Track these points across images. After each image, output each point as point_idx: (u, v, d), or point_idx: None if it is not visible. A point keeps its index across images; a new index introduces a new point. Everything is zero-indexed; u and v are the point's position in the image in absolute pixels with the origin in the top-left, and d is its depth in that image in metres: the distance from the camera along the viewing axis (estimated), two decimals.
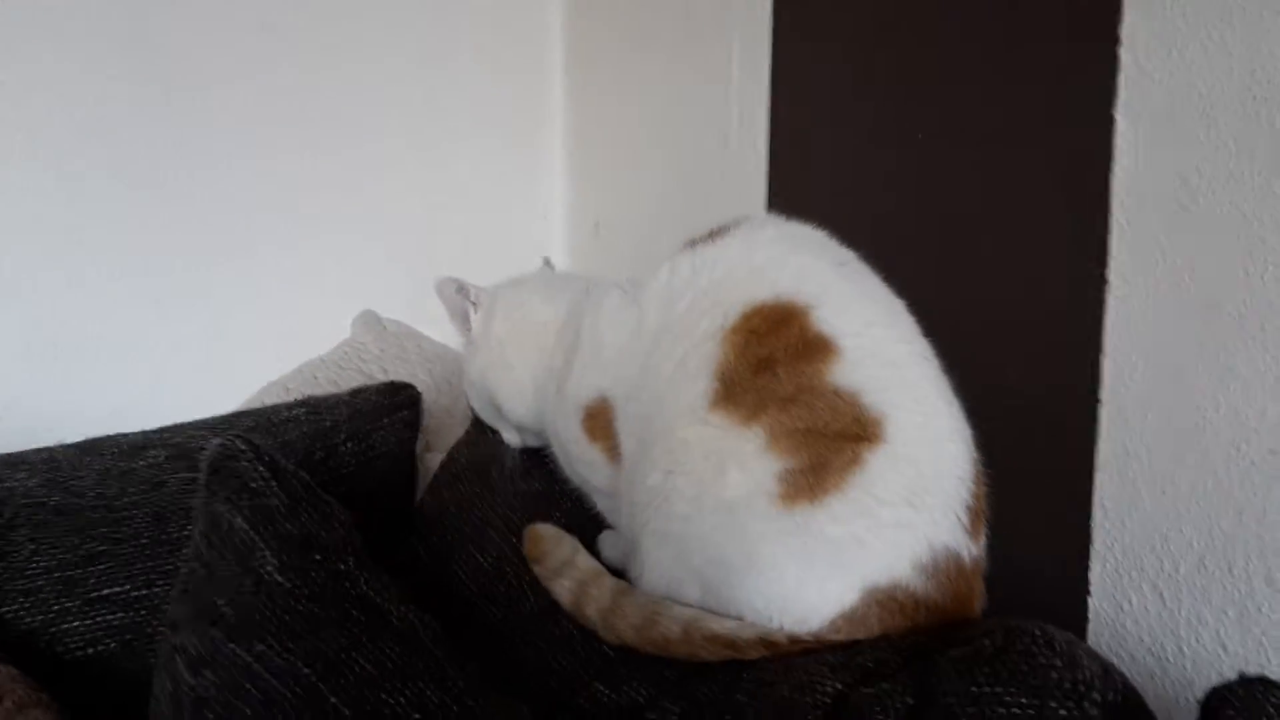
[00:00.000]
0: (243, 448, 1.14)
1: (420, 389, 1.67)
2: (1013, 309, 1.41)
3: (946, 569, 1.05)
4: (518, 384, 1.42)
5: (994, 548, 1.11)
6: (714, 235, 1.22)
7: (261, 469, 1.13)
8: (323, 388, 1.83)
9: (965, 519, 1.06)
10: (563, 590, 1.22)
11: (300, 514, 1.10)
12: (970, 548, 1.07)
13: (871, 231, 1.32)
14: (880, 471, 1.04)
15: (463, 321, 1.47)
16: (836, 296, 1.13)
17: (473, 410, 1.57)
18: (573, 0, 2.36)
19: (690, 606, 1.10)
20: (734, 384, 1.09)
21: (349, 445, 1.49)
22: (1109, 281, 1.28)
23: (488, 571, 1.37)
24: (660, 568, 1.13)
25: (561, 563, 1.25)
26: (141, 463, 1.39)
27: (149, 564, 1.29)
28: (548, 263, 1.61)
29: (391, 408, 1.55)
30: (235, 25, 2.10)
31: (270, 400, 1.77)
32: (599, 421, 1.28)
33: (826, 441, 1.04)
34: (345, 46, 2.20)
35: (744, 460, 1.07)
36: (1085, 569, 1.31)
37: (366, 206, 2.23)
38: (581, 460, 1.32)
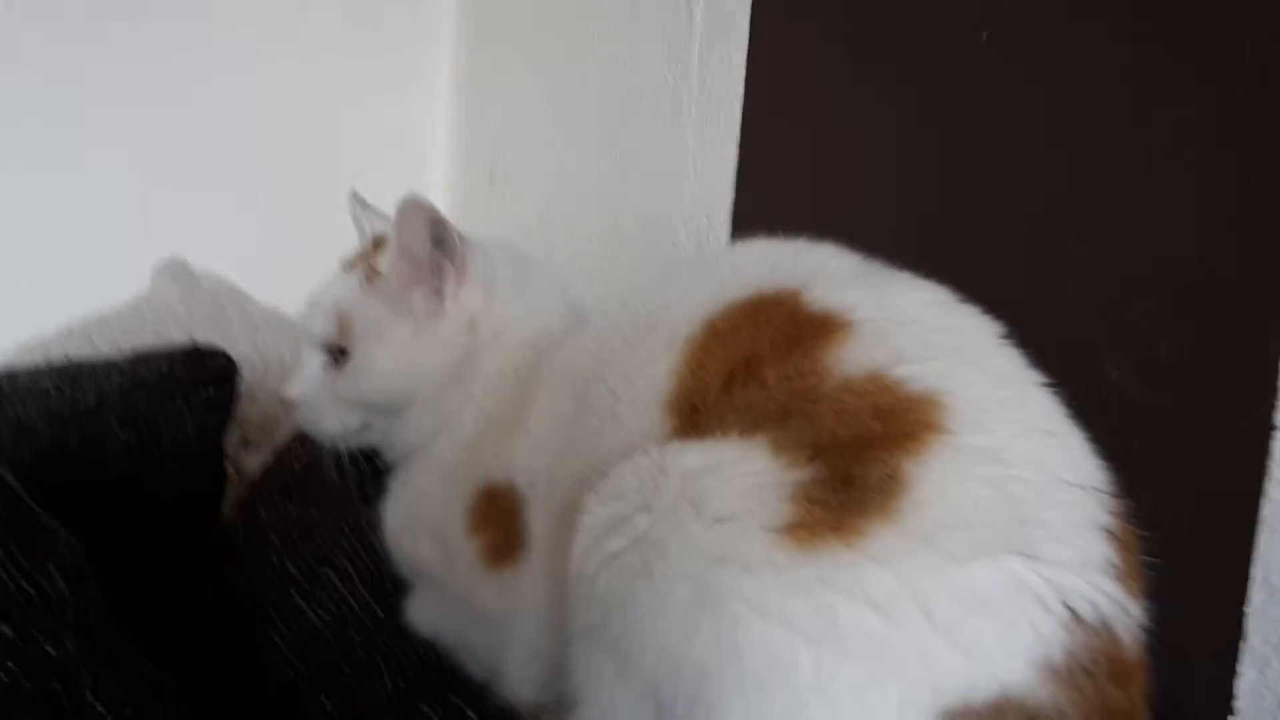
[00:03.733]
0: None
1: (239, 362, 1.18)
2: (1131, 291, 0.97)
3: (1092, 653, 0.62)
4: (474, 404, 0.93)
5: None
6: None
7: None
8: (104, 355, 1.32)
9: (1110, 555, 0.65)
10: None
11: None
12: (1127, 609, 0.65)
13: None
14: (946, 480, 0.64)
15: (417, 273, 0.91)
16: (836, 273, 0.78)
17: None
18: None
19: None
20: (696, 412, 0.73)
21: (122, 433, 1.02)
22: None
23: (321, 635, 0.90)
24: (600, 698, 0.70)
25: None
26: None
27: None
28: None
29: (191, 383, 1.06)
30: None
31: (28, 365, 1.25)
32: (493, 506, 0.86)
33: (849, 455, 0.65)
34: None
35: (728, 475, 0.67)
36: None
37: (181, 122, 1.67)
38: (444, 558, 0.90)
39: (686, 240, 1.34)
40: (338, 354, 0.91)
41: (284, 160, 1.75)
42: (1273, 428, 0.82)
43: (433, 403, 0.91)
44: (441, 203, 1.90)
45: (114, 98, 1.62)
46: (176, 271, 1.52)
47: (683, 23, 1.35)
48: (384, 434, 0.93)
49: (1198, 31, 0.88)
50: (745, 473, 0.66)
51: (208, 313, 1.44)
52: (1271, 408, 0.82)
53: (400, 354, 0.91)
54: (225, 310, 1.46)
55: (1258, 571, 0.83)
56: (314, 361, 0.91)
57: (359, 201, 1.05)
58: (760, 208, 1.27)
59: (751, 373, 0.71)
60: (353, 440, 0.94)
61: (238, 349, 1.41)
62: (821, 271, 0.77)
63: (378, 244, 0.95)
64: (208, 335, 1.43)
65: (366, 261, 0.92)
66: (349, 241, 1.03)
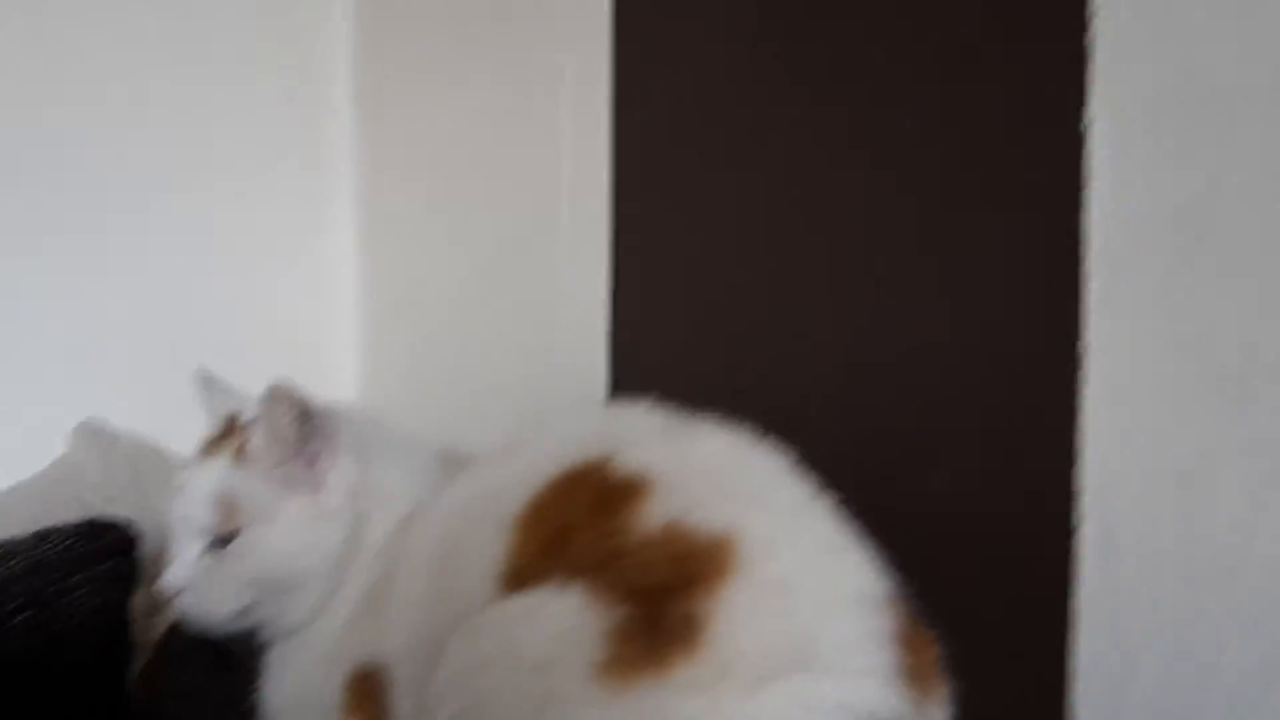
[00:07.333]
0: None
1: (156, 525, 1.21)
2: (951, 402, 1.07)
3: None
4: (353, 581, 0.96)
5: None
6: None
7: None
8: (20, 528, 1.35)
9: (900, 659, 0.72)
10: None
11: None
12: (922, 710, 0.72)
13: (758, 313, 1.08)
14: (738, 613, 0.71)
15: (291, 452, 0.95)
16: (642, 435, 0.85)
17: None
18: (363, 28, 1.92)
19: None
20: (522, 577, 0.79)
21: (24, 613, 1.04)
22: (1084, 354, 0.95)
23: None
24: None
25: None
26: None
27: None
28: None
29: (91, 558, 1.10)
30: None
31: None
32: (366, 688, 0.90)
33: (654, 600, 0.72)
34: (46, 60, 1.68)
35: (542, 620, 0.74)
36: None
37: (89, 275, 1.72)
38: None
39: (565, 365, 1.41)
40: (221, 539, 0.93)
41: (194, 310, 1.80)
42: (1076, 526, 0.90)
43: (323, 579, 0.94)
44: (350, 333, 1.95)
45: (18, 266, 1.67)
46: (95, 432, 1.55)
47: (553, 162, 1.44)
48: (270, 613, 0.95)
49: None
50: (559, 614, 0.72)
51: (125, 475, 1.47)
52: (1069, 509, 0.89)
53: (294, 531, 0.94)
54: (142, 472, 1.49)
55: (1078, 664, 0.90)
56: (192, 549, 0.93)
57: (206, 381, 1.05)
58: (632, 330, 1.35)
59: (566, 540, 0.77)
60: (238, 623, 0.95)
61: (154, 512, 1.45)
62: (629, 435, 0.84)
63: (232, 426, 0.98)
64: (126, 498, 1.46)
65: (233, 444, 0.95)
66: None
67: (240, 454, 0.94)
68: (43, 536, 1.12)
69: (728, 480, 0.79)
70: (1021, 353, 0.99)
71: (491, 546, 0.82)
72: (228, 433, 0.98)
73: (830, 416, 1.06)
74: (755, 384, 1.18)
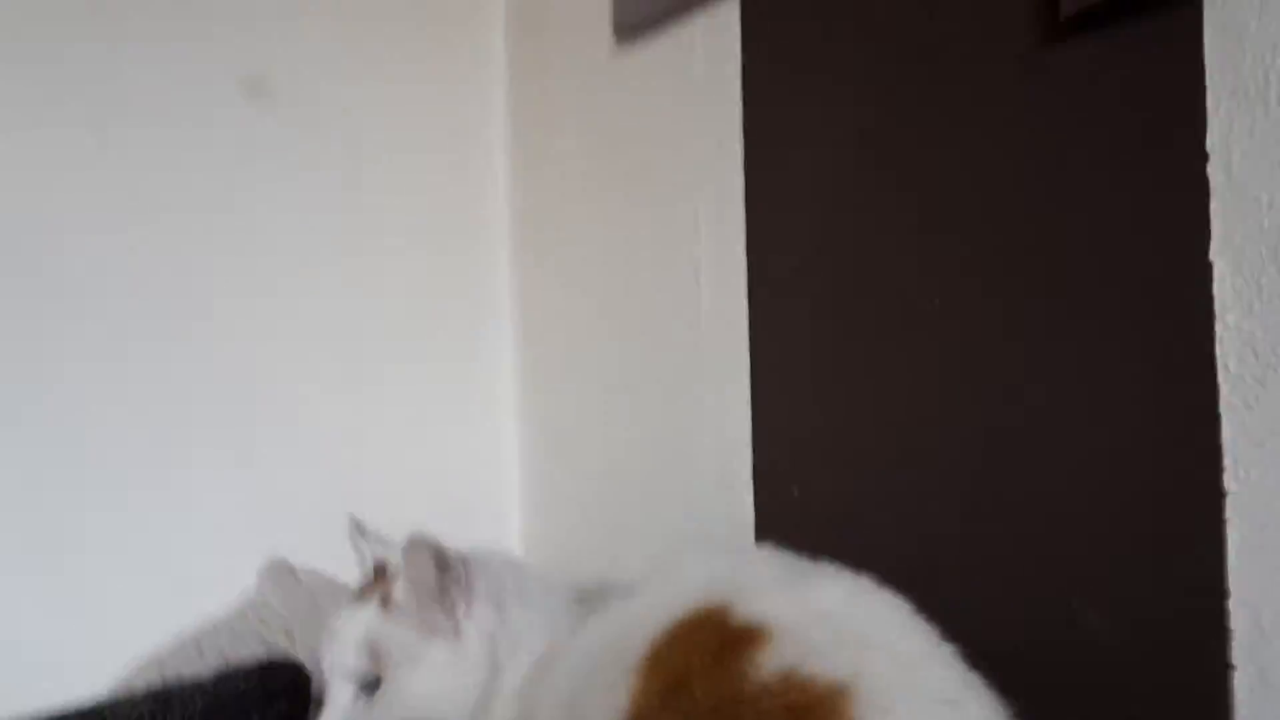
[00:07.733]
0: None
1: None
2: (1092, 536, 0.98)
3: None
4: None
5: None
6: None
7: None
8: (210, 664, 1.42)
9: None
10: None
11: None
12: None
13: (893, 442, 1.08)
14: None
15: (431, 599, 0.99)
16: (763, 581, 0.85)
17: None
18: (516, 181, 2.01)
19: None
20: None
21: None
22: (1227, 492, 0.87)
23: None
24: None
25: None
26: None
27: None
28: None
29: (266, 697, 1.14)
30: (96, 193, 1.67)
31: (143, 683, 1.36)
32: None
33: None
34: (237, 224, 1.81)
35: None
36: None
37: (273, 425, 1.83)
38: None
39: (713, 499, 1.42)
40: (371, 683, 0.96)
41: (366, 454, 1.88)
42: (1229, 667, 0.82)
43: None
44: (511, 471, 2.01)
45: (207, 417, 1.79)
46: (278, 572, 1.62)
47: (693, 304, 1.48)
48: None
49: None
50: None
51: (306, 611, 1.53)
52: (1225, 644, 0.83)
53: (436, 675, 0.97)
54: (322, 609, 1.55)
55: None
56: (344, 693, 0.97)
57: (358, 528, 1.13)
58: (777, 468, 1.33)
59: (685, 687, 0.76)
60: None
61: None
62: (750, 581, 0.84)
63: (380, 572, 1.02)
64: (306, 636, 1.52)
65: (380, 591, 0.99)
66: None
67: (386, 601, 0.98)
68: (223, 677, 1.17)
69: (846, 628, 0.78)
70: (1161, 486, 0.92)
71: (615, 693, 0.81)
72: (377, 579, 1.02)
73: (970, 554, 1.01)
74: (893, 520, 1.14)
